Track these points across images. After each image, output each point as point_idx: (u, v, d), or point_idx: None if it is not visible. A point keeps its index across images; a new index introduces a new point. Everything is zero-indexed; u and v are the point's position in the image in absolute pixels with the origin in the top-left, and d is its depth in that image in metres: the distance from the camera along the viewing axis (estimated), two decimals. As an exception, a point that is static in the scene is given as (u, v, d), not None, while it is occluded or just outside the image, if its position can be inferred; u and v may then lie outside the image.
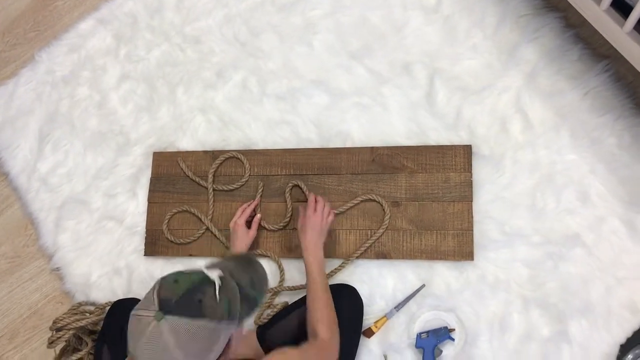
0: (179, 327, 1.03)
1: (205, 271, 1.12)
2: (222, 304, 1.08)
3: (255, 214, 1.82)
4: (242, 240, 1.74)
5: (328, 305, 1.49)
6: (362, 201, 1.78)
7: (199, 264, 1.26)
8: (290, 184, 1.83)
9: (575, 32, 1.73)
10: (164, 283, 1.09)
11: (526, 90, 1.73)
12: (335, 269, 1.74)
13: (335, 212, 1.74)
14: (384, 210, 1.75)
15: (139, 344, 1.05)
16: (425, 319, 1.67)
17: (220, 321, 1.07)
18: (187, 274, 1.11)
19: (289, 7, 2.00)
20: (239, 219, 1.77)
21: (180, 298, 1.06)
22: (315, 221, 1.61)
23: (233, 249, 1.75)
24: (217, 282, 1.10)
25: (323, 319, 1.46)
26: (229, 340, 1.12)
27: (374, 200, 1.77)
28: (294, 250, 1.81)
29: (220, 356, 1.11)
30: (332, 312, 1.49)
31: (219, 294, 1.08)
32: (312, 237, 1.59)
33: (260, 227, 1.83)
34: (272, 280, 1.81)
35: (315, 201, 1.66)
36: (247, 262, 1.28)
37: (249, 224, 1.79)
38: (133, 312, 1.08)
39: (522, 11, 1.78)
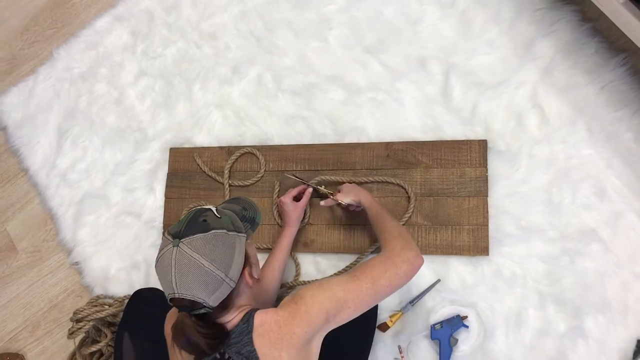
0: (196, 243, 1.14)
1: (201, 206, 1.26)
2: (224, 219, 1.21)
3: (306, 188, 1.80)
4: (292, 213, 1.73)
5: (392, 223, 1.50)
6: (387, 183, 1.78)
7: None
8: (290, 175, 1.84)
9: (592, 25, 1.71)
10: (171, 227, 1.21)
11: (542, 85, 1.72)
12: (351, 263, 1.75)
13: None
14: (408, 196, 1.75)
15: (172, 276, 1.13)
16: (443, 314, 1.67)
17: (228, 231, 1.18)
18: (186, 214, 1.23)
19: (304, 3, 2.01)
20: (284, 196, 1.76)
21: (187, 224, 1.17)
22: (352, 186, 1.71)
23: (285, 224, 1.75)
24: (214, 208, 1.23)
25: (390, 237, 1.43)
26: (248, 253, 1.24)
27: (396, 184, 1.77)
28: (309, 245, 1.82)
29: (244, 266, 1.22)
30: (398, 227, 1.48)
31: (217, 213, 1.21)
32: (360, 190, 1.66)
33: (279, 226, 1.85)
34: (288, 275, 1.82)
35: None
36: (233, 199, 1.42)
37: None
38: (155, 264, 1.18)
39: (538, 5, 1.77)
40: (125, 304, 1.85)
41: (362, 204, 1.62)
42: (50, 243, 2.15)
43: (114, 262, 2.01)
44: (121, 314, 1.83)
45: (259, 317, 1.21)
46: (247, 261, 1.24)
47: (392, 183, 1.78)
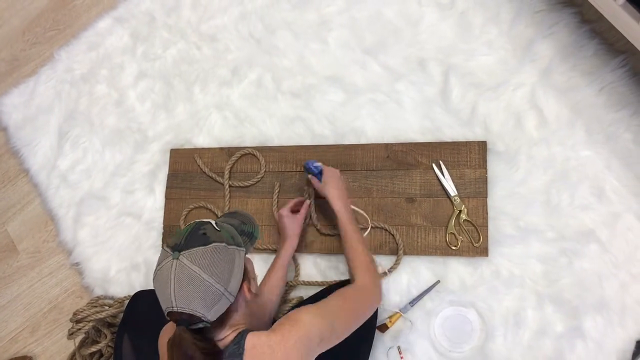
0: (196, 256, 1.13)
1: (200, 220, 1.25)
2: (224, 232, 1.20)
3: (305, 202, 1.79)
4: (290, 227, 1.71)
5: (364, 251, 1.53)
6: (373, 227, 1.78)
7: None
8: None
9: (591, 27, 1.71)
10: (168, 237, 1.22)
11: (541, 86, 1.72)
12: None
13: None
14: (396, 243, 1.75)
15: (171, 289, 1.12)
16: (445, 314, 1.67)
17: (228, 244, 1.18)
18: (185, 227, 1.22)
19: (303, 4, 2.01)
20: (283, 209, 1.74)
21: (187, 237, 1.16)
22: (332, 173, 1.69)
23: (283, 239, 1.72)
24: (212, 221, 1.23)
25: (362, 266, 1.49)
26: (247, 268, 1.23)
27: (385, 229, 1.78)
28: (309, 245, 1.82)
29: (244, 280, 1.21)
30: (369, 257, 1.53)
31: (217, 226, 1.21)
32: (336, 184, 1.66)
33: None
34: (288, 276, 1.82)
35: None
36: (231, 213, 1.41)
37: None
38: (153, 276, 1.18)
39: (537, 7, 1.77)
40: (125, 305, 1.86)
41: (331, 206, 1.62)
42: (51, 244, 2.15)
43: (114, 263, 2.01)
44: (121, 315, 1.83)
45: (251, 340, 1.17)
46: (246, 275, 1.23)
47: (382, 228, 1.78)
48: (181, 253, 1.13)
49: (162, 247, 1.20)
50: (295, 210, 1.76)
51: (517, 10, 1.79)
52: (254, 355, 1.15)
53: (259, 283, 1.63)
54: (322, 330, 1.23)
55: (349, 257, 1.54)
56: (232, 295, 1.16)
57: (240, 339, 1.17)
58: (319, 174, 1.71)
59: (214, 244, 1.15)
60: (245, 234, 1.30)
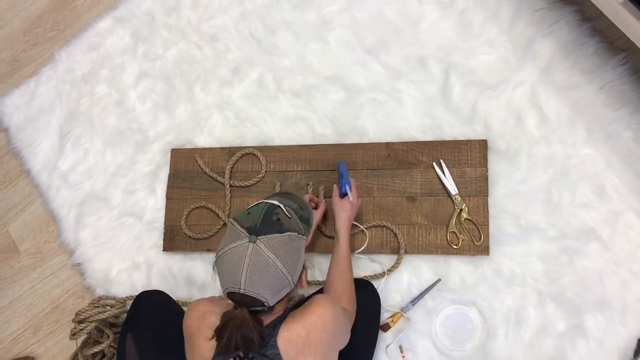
0: (274, 242, 1.16)
1: (266, 201, 1.26)
2: (294, 219, 1.24)
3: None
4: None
5: (350, 280, 1.54)
6: (373, 226, 1.79)
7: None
8: (310, 183, 1.85)
9: (591, 25, 1.72)
10: (240, 218, 1.22)
11: (541, 85, 1.72)
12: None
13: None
14: (398, 242, 1.75)
15: (242, 271, 1.14)
16: (446, 313, 1.68)
17: (298, 233, 1.22)
18: (253, 207, 1.25)
19: (304, 4, 2.01)
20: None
21: (263, 221, 1.18)
22: (354, 205, 1.67)
23: None
24: (282, 204, 1.25)
25: (345, 294, 1.49)
26: (304, 263, 1.26)
27: (386, 227, 1.78)
28: (309, 245, 1.82)
29: (303, 269, 1.25)
30: (353, 287, 1.53)
31: (287, 213, 1.23)
32: (352, 214, 1.65)
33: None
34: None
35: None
36: (287, 194, 1.41)
37: None
38: (219, 253, 1.19)
39: (538, 5, 1.77)
40: (127, 305, 1.86)
41: (335, 224, 1.62)
42: (52, 244, 2.15)
43: (116, 263, 2.02)
44: (123, 315, 1.84)
45: (287, 324, 1.21)
46: (304, 265, 1.27)
47: (385, 227, 1.78)
48: (258, 237, 1.15)
49: (233, 225, 1.20)
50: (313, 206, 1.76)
51: (517, 9, 1.79)
52: (288, 337, 1.20)
53: None
54: (348, 323, 1.36)
55: (333, 280, 1.53)
56: (295, 284, 1.20)
57: (276, 323, 1.22)
58: (346, 185, 1.68)
59: (288, 233, 1.19)
60: (304, 220, 1.32)
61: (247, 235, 1.16)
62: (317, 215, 1.69)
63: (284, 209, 1.24)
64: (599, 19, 1.70)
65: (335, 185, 1.72)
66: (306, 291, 1.78)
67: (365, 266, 1.77)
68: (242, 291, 1.14)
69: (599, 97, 1.67)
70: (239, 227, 1.19)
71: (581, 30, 1.72)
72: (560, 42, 1.73)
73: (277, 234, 1.17)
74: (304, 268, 1.28)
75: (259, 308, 1.18)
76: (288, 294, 1.23)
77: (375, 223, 1.77)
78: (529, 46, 1.76)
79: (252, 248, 1.14)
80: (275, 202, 1.25)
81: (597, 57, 1.70)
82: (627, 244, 1.58)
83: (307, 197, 1.74)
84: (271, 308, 1.22)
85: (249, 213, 1.22)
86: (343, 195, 1.67)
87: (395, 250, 1.74)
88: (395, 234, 1.75)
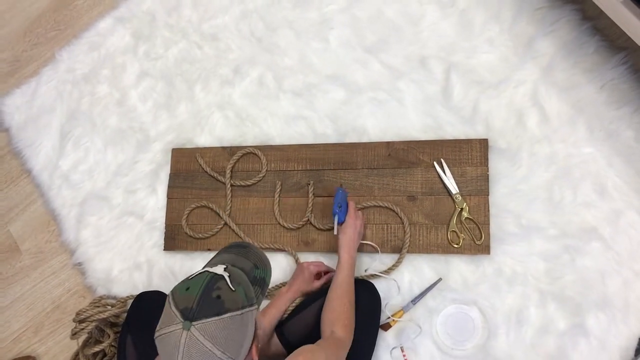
0: (210, 328, 1.02)
1: (210, 269, 1.12)
2: (239, 292, 1.09)
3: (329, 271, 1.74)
4: (301, 282, 1.69)
5: (350, 305, 1.50)
6: (380, 206, 1.78)
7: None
8: (310, 182, 1.85)
9: (592, 24, 1.71)
10: (177, 295, 1.08)
11: (542, 84, 1.72)
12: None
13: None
14: (404, 229, 1.75)
15: None
16: (447, 312, 1.67)
17: (243, 309, 1.07)
18: (194, 278, 1.10)
19: (305, 3, 2.01)
20: (312, 265, 1.70)
21: (199, 302, 1.04)
22: (355, 224, 1.66)
23: (292, 285, 1.69)
24: (226, 275, 1.10)
25: (342, 319, 1.46)
26: (256, 324, 1.13)
27: (392, 210, 1.78)
28: (310, 244, 1.82)
29: (252, 341, 1.11)
30: (352, 312, 1.50)
31: (231, 284, 1.09)
32: (353, 235, 1.63)
33: (280, 226, 1.86)
34: (289, 275, 1.83)
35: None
36: (243, 248, 1.27)
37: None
38: (156, 335, 1.07)
39: (538, 4, 1.77)
40: (127, 305, 1.86)
41: (338, 251, 1.60)
42: (53, 244, 2.15)
43: (117, 262, 2.02)
44: (124, 315, 1.84)
45: None
46: (255, 335, 1.13)
47: (387, 208, 1.78)
48: (193, 324, 1.02)
49: (169, 304, 1.07)
50: (318, 273, 1.72)
51: (518, 8, 1.79)
52: None
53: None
54: None
55: (332, 305, 1.49)
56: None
57: None
58: (341, 211, 1.68)
59: (229, 314, 1.05)
60: (257, 283, 1.19)
61: (181, 320, 1.02)
62: (314, 285, 1.69)
63: (227, 281, 1.09)
64: (600, 17, 1.70)
65: (335, 218, 1.70)
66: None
67: (366, 265, 1.76)
68: None
69: (600, 95, 1.67)
70: (174, 309, 1.05)
71: (582, 29, 1.72)
72: (561, 41, 1.73)
73: (214, 317, 1.03)
74: (255, 339, 1.13)
75: None
76: None
77: (382, 204, 1.77)
78: (529, 45, 1.76)
79: (186, 336, 1.01)
80: (219, 272, 1.11)
81: (598, 55, 1.69)
82: (629, 242, 1.58)
83: (321, 267, 1.72)
84: None
85: (187, 288, 1.07)
86: (341, 223, 1.67)
87: (397, 250, 1.74)
88: (401, 218, 1.74)
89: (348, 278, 1.55)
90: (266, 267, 1.25)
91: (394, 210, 1.76)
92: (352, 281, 1.56)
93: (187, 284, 1.09)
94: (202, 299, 1.05)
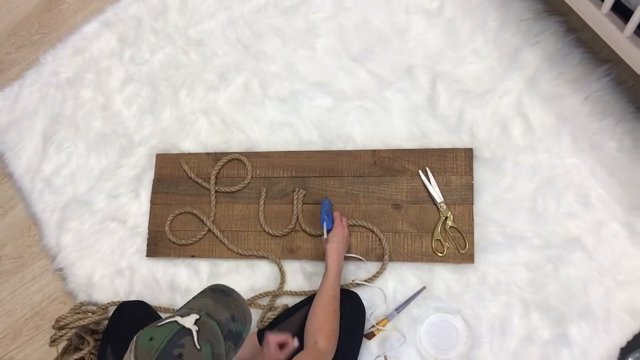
0: None
1: (180, 320, 1.04)
2: (204, 351, 1.01)
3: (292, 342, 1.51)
4: (266, 356, 1.50)
5: (335, 314, 1.49)
6: (356, 225, 1.78)
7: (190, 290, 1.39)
8: (296, 189, 1.84)
9: (576, 36, 1.73)
10: (139, 343, 1.02)
11: (527, 94, 1.74)
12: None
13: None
14: (382, 248, 1.75)
15: None
16: (431, 321, 1.67)
17: None
18: (162, 327, 1.03)
19: (291, 10, 2.02)
20: (273, 337, 1.50)
21: (157, 357, 0.98)
22: (343, 232, 1.66)
23: (250, 355, 1.59)
24: (194, 329, 1.02)
25: (325, 329, 1.44)
26: None
27: (370, 230, 1.77)
28: (295, 251, 1.81)
29: None
30: (336, 322, 1.48)
31: (198, 341, 1.01)
32: (339, 245, 1.62)
33: (265, 233, 1.85)
34: (273, 283, 1.82)
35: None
36: (225, 295, 1.17)
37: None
38: None
39: (524, 15, 1.79)
40: (109, 312, 1.84)
41: (325, 261, 1.58)
42: (34, 249, 2.12)
43: (98, 268, 1.99)
44: (104, 322, 1.82)
45: None
46: None
47: (370, 230, 1.77)
48: None
49: (130, 351, 1.02)
50: (282, 344, 1.52)
51: (503, 19, 1.80)
52: None
53: None
54: None
55: (315, 315, 1.47)
56: None
57: None
58: (328, 219, 1.69)
59: None
60: (231, 338, 1.09)
61: None
62: (280, 356, 1.48)
63: (194, 338, 1.01)
64: (584, 30, 1.72)
65: (324, 225, 1.70)
66: (292, 300, 1.77)
67: (351, 274, 1.76)
68: None
69: (584, 107, 1.68)
70: (132, 359, 1.00)
71: (566, 41, 1.74)
72: (545, 52, 1.75)
73: None
74: None
75: None
76: None
77: (360, 224, 1.77)
78: (515, 56, 1.77)
79: None
80: (187, 326, 1.02)
81: (582, 67, 1.71)
82: (611, 253, 1.59)
83: (283, 339, 1.50)
84: None
85: (151, 338, 1.00)
86: (329, 231, 1.68)
87: (380, 258, 1.74)
88: (380, 239, 1.74)
89: (334, 285, 1.54)
90: (245, 321, 1.14)
91: (369, 229, 1.76)
92: (337, 289, 1.54)
93: (152, 333, 1.02)
94: (161, 355, 0.98)
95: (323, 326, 1.45)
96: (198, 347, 1.00)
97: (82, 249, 2.02)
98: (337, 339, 1.46)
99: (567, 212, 1.64)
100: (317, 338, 1.42)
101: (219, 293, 1.17)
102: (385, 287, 1.73)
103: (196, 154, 1.98)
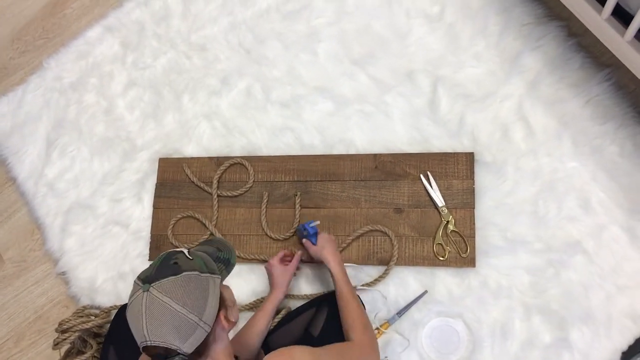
0: (167, 286, 1.08)
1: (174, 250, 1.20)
2: (197, 260, 1.15)
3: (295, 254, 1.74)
4: (279, 277, 1.67)
5: (359, 309, 1.51)
6: (369, 231, 1.79)
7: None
8: (298, 193, 1.85)
9: (577, 40, 1.74)
10: (139, 273, 1.16)
11: (528, 98, 1.74)
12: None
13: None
14: (392, 243, 1.75)
15: (143, 323, 1.08)
16: (432, 325, 1.68)
17: (200, 272, 1.13)
18: (157, 257, 1.18)
19: (293, 15, 2.02)
20: (273, 259, 1.70)
21: (157, 268, 1.12)
22: (328, 236, 1.68)
23: (271, 287, 1.68)
24: (185, 250, 1.18)
25: (355, 323, 1.46)
26: (222, 296, 1.17)
27: (381, 232, 1.78)
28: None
29: (220, 309, 1.16)
30: (362, 315, 1.50)
31: (189, 255, 1.16)
32: (331, 247, 1.64)
33: (267, 237, 1.85)
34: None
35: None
36: (207, 241, 1.34)
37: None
38: (127, 310, 1.14)
39: (525, 20, 1.79)
40: (111, 315, 1.84)
41: (329, 269, 1.60)
42: (37, 253, 2.13)
43: (101, 272, 2.00)
44: (107, 325, 1.82)
45: None
46: (223, 304, 1.17)
47: (381, 231, 1.78)
48: (151, 285, 1.08)
49: (134, 283, 1.15)
50: (285, 261, 1.73)
51: (504, 23, 1.81)
52: None
53: (241, 325, 1.62)
54: None
55: (344, 316, 1.50)
56: (209, 325, 1.11)
57: None
58: (314, 235, 1.69)
59: (185, 274, 1.10)
60: (221, 261, 1.24)
61: (141, 285, 1.10)
62: (288, 269, 1.68)
63: (185, 253, 1.16)
64: (585, 34, 1.72)
65: (304, 240, 1.71)
66: (294, 303, 1.77)
67: (352, 278, 1.76)
68: (149, 343, 1.07)
69: (584, 111, 1.69)
70: (137, 281, 1.13)
71: (567, 46, 1.74)
72: (547, 57, 1.75)
73: (171, 276, 1.09)
74: (224, 307, 1.18)
75: (177, 358, 1.08)
76: (209, 335, 1.13)
77: (376, 228, 1.77)
78: (516, 60, 1.78)
79: (146, 296, 1.08)
80: (179, 249, 1.18)
81: (583, 72, 1.71)
82: (612, 257, 1.59)
83: (281, 254, 1.72)
84: (200, 353, 1.13)
85: (150, 266, 1.16)
86: (312, 235, 1.69)
87: (383, 262, 1.74)
88: (391, 239, 1.74)
89: (347, 285, 1.55)
90: (230, 251, 1.29)
91: (384, 232, 1.76)
92: (351, 287, 1.56)
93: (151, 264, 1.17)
94: (160, 266, 1.12)
95: (355, 320, 1.47)
96: (190, 258, 1.15)
97: (85, 252, 2.03)
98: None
99: (568, 216, 1.64)
100: (350, 335, 1.44)
101: (200, 243, 1.34)
102: (386, 292, 1.73)
103: (198, 158, 1.98)
